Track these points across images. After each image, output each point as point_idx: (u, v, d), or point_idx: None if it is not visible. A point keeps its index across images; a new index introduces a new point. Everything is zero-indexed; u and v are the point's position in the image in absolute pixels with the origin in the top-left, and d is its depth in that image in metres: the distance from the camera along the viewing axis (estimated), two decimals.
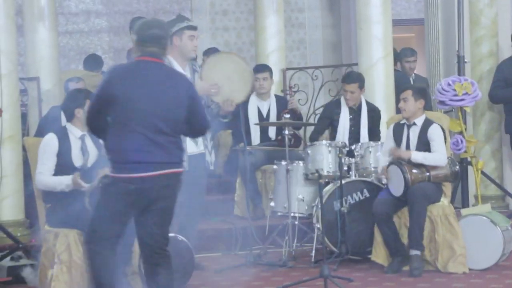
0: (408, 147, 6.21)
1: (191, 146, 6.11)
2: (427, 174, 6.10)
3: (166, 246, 4.58)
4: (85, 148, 5.66)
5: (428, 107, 6.88)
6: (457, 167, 6.20)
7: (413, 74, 8.78)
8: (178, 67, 6.13)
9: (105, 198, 4.55)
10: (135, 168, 4.42)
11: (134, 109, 4.43)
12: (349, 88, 7.07)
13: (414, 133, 6.22)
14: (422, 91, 6.34)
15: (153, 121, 4.42)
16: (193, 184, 6.14)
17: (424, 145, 6.16)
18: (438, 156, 6.10)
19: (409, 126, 6.24)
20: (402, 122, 6.32)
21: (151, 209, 4.49)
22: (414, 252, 6.00)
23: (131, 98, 4.43)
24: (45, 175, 5.55)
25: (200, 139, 6.15)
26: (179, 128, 4.55)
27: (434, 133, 6.15)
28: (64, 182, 5.51)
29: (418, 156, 6.10)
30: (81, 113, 5.71)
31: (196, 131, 4.84)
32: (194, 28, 6.14)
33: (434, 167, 6.13)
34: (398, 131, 6.30)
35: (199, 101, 4.69)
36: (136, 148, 4.42)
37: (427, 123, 6.21)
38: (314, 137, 7.16)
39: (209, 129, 4.86)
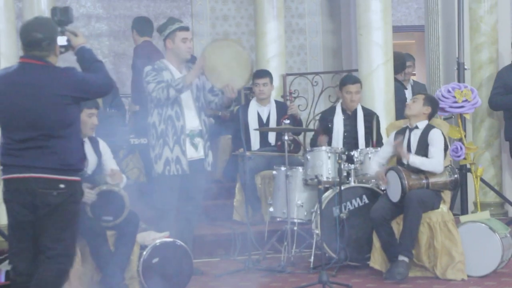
0: (408, 150, 6.22)
1: (191, 151, 6.12)
2: (426, 181, 6.11)
3: (60, 255, 4.42)
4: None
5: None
6: (457, 175, 6.20)
7: (412, 80, 8.79)
8: (174, 70, 6.14)
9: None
10: (5, 170, 4.43)
11: (4, 112, 4.42)
12: (354, 89, 7.07)
13: (415, 136, 6.24)
14: (434, 101, 6.41)
15: (19, 125, 4.37)
16: (190, 188, 6.16)
17: (423, 149, 6.18)
18: (435, 163, 6.11)
19: (411, 130, 6.27)
20: (404, 126, 6.34)
21: (40, 217, 4.39)
22: (402, 257, 6.00)
23: (1, 101, 4.42)
24: None
25: (200, 144, 6.16)
26: (57, 132, 4.38)
27: (434, 138, 6.17)
28: None
29: (416, 160, 6.12)
30: None
31: (101, 95, 4.72)
32: (186, 29, 6.15)
33: (434, 174, 6.14)
34: (400, 137, 6.31)
35: (84, 87, 4.44)
36: (5, 152, 4.43)
37: (429, 128, 6.24)
38: (315, 144, 7.14)
39: (109, 84, 4.56)
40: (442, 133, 6.25)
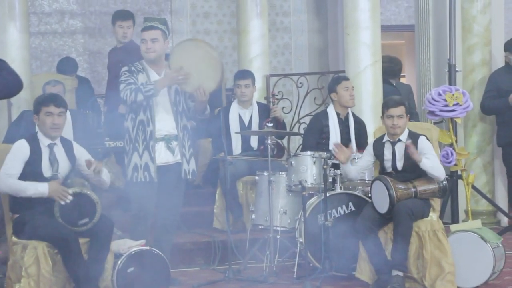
0: (394, 164, 6.19)
1: (167, 155, 6.11)
2: (413, 189, 6.09)
3: None
4: (54, 157, 5.64)
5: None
6: (445, 182, 6.22)
7: (394, 82, 8.82)
8: (152, 72, 6.12)
9: None
10: None
11: None
12: (351, 84, 7.12)
13: (399, 149, 6.18)
14: (406, 104, 6.34)
15: None
16: (168, 195, 6.15)
17: (411, 159, 6.14)
18: (441, 169, 6.10)
19: (393, 143, 6.23)
20: (384, 140, 6.29)
21: None
22: (395, 272, 6.00)
23: None
24: (13, 178, 5.53)
25: (177, 148, 6.15)
26: None
27: (425, 146, 6.12)
28: (39, 188, 5.48)
29: (427, 164, 6.05)
30: (37, 120, 5.68)
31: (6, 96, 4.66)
32: (146, 28, 6.08)
33: (421, 183, 6.13)
34: (379, 149, 6.27)
35: None
36: None
37: (413, 137, 6.17)
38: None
39: (15, 83, 4.54)
40: (427, 138, 6.23)
